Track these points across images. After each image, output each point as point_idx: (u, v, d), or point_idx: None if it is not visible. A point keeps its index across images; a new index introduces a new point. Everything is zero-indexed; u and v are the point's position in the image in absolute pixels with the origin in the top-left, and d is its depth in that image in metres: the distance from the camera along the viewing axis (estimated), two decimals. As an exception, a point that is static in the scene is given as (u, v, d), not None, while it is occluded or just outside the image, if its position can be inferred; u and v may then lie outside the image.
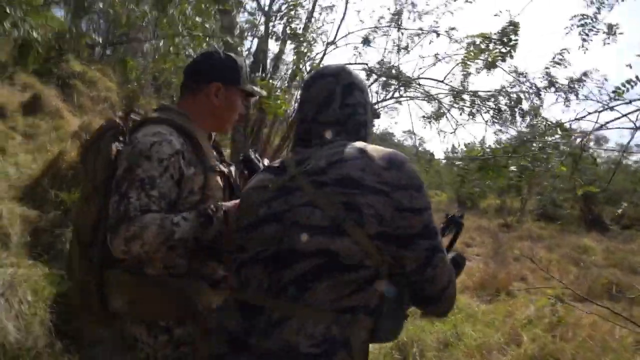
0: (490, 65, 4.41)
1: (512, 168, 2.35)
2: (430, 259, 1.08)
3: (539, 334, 4.07)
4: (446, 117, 5.10)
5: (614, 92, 1.96)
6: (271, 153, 5.40)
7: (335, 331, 1.00)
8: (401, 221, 1.04)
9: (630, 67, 2.15)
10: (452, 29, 4.08)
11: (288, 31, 3.19)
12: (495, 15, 2.68)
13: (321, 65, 3.51)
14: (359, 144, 1.14)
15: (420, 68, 4.69)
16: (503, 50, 2.27)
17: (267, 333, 1.02)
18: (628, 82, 1.97)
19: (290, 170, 1.14)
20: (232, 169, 1.58)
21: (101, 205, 1.41)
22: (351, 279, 1.01)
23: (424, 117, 5.33)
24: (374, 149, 1.11)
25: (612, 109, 1.99)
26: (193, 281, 1.43)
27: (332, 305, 1.01)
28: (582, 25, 2.52)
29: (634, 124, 2.38)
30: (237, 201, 1.41)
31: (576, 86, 4.79)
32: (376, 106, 5.47)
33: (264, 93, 1.84)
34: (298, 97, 1.39)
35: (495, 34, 2.40)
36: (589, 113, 2.08)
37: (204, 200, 1.43)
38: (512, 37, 2.33)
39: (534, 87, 4.53)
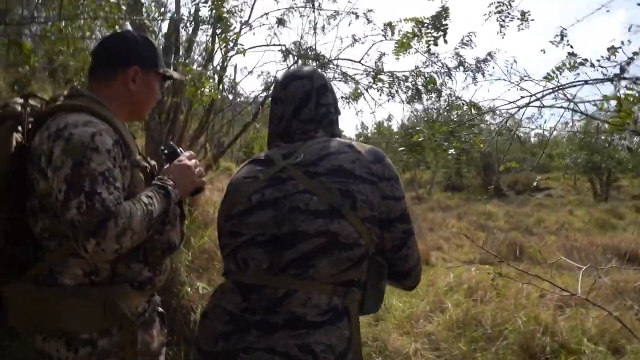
0: (406, 47, 4.54)
1: (451, 151, 2.46)
2: (405, 240, 1.25)
3: (460, 299, 4.35)
4: (364, 97, 5.19)
5: (545, 78, 2.12)
6: (188, 141, 5.16)
7: (337, 302, 1.13)
8: (385, 207, 1.21)
9: (544, 52, 2.34)
10: (370, 10, 4.14)
11: (209, 12, 3.01)
12: (428, -1, 2.80)
13: (239, 44, 3.38)
14: (344, 140, 1.28)
15: (339, 50, 4.70)
16: (435, 34, 2.34)
17: (272, 309, 1.13)
18: (558, 69, 2.13)
19: (278, 163, 1.26)
20: (153, 163, 1.48)
21: None
22: (348, 256, 1.15)
23: (342, 97, 5.38)
24: (359, 145, 1.27)
25: (541, 97, 2.13)
26: (117, 287, 1.33)
27: (332, 279, 1.14)
28: (499, 12, 2.68)
29: (541, 103, 2.59)
30: (173, 164, 1.41)
31: (482, 66, 5.09)
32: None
33: (184, 77, 1.74)
34: (272, 95, 1.47)
35: (427, 18, 2.48)
36: (522, 97, 2.24)
37: (128, 199, 1.31)
38: (444, 21, 2.41)
39: (445, 67, 4.74)
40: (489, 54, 5.34)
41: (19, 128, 1.32)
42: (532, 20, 2.63)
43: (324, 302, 1.12)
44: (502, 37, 2.84)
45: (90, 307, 1.28)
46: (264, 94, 5.41)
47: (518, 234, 8.73)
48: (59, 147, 1.20)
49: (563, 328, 3.64)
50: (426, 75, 4.39)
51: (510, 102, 2.26)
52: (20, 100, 1.37)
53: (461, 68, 5.17)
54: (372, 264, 1.22)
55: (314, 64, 5.11)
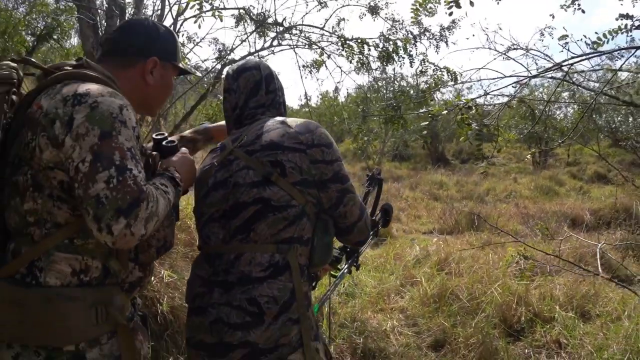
0: (373, 10, 4.31)
1: (474, 125, 2.32)
2: (341, 199, 1.41)
3: (430, 272, 4.32)
4: (325, 65, 4.94)
5: (594, 42, 1.97)
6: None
7: (278, 257, 1.32)
8: (316, 170, 1.37)
9: (553, 17, 2.22)
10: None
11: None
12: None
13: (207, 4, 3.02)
14: (280, 118, 1.46)
15: (306, 14, 4.40)
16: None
17: (228, 270, 1.34)
18: (610, 33, 1.97)
19: (228, 147, 1.44)
20: (155, 153, 1.35)
21: None
22: (283, 216, 1.33)
23: (304, 66, 5.10)
24: (292, 120, 1.42)
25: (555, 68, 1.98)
26: (108, 288, 1.19)
27: (272, 239, 1.33)
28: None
29: (529, 72, 2.47)
30: (177, 157, 1.35)
31: (446, 33, 4.95)
32: (253, 56, 5.07)
33: (198, 73, 1.64)
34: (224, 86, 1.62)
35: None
36: (545, 67, 2.09)
37: None
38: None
39: (410, 34, 4.57)
40: (453, 21, 5.23)
41: (10, 96, 1.19)
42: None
43: (265, 260, 1.31)
44: (498, 3, 2.69)
45: (79, 313, 1.12)
46: (219, 64, 5.02)
47: (471, 202, 8.94)
48: (82, 114, 1.07)
49: (534, 297, 3.69)
50: (395, 41, 4.20)
51: (513, 75, 2.11)
52: (14, 65, 1.23)
53: (425, 35, 5.05)
54: (317, 220, 1.39)
55: (275, 29, 4.78)
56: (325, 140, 1.39)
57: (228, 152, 1.42)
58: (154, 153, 1.31)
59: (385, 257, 5.17)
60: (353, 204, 1.43)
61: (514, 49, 2.41)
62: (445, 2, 1.98)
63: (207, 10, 3.85)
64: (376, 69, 5.07)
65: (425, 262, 4.74)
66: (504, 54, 2.50)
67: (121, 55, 1.33)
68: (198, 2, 2.67)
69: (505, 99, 2.47)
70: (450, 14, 1.99)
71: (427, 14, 2.66)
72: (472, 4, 1.99)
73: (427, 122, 2.56)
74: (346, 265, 1.82)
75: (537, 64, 2.69)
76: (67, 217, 1.14)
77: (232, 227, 1.36)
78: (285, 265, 1.32)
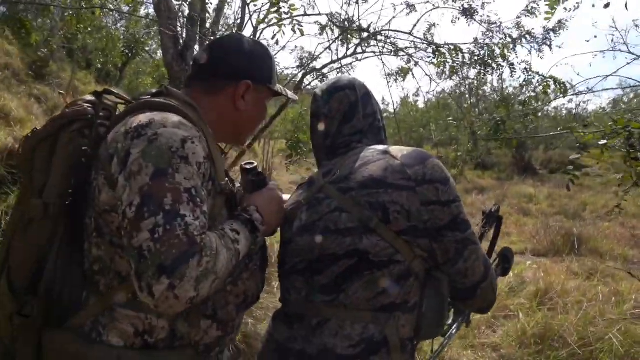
0: (468, 13, 3.92)
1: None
2: (460, 251, 1.09)
3: (527, 305, 3.83)
4: (412, 73, 4.61)
5: None
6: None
7: (373, 330, 1.05)
8: (428, 214, 1.07)
9: None
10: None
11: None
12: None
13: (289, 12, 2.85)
14: (381, 146, 1.19)
15: (393, 18, 4.11)
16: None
17: (308, 338, 1.09)
18: None
19: (318, 183, 1.19)
20: (238, 187, 1.20)
21: (52, 233, 1.04)
22: (383, 275, 1.05)
23: (389, 74, 4.79)
24: (397, 149, 1.15)
25: None
26: (178, 352, 1.05)
27: (368, 304, 1.06)
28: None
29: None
30: (261, 193, 1.16)
31: (552, 36, 4.43)
32: (336, 64, 4.85)
33: (297, 97, 1.41)
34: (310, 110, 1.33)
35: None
36: None
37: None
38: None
39: (508, 38, 4.11)
40: (559, 21, 4.67)
41: (86, 132, 1.08)
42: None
43: (356, 333, 1.05)
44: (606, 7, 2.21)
45: None
46: (301, 72, 4.87)
47: (564, 218, 8.09)
48: (139, 149, 0.92)
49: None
50: (492, 47, 3.78)
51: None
52: (92, 98, 1.13)
53: (525, 39, 4.54)
54: (428, 280, 1.11)
55: (359, 36, 4.52)
56: (440, 175, 1.09)
57: (318, 188, 1.18)
58: (236, 189, 1.12)
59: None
60: (476, 259, 1.11)
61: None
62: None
63: (287, 18, 3.67)
64: (472, 79, 4.64)
65: (520, 292, 4.23)
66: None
67: (210, 79, 1.17)
68: (277, 13, 2.47)
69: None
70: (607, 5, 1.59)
71: (548, 13, 2.24)
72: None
73: (578, 155, 2.19)
74: (456, 324, 1.45)
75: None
76: (129, 268, 0.98)
77: (318, 285, 1.11)
78: (382, 341, 1.04)
